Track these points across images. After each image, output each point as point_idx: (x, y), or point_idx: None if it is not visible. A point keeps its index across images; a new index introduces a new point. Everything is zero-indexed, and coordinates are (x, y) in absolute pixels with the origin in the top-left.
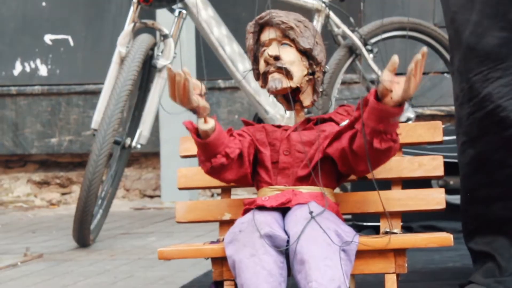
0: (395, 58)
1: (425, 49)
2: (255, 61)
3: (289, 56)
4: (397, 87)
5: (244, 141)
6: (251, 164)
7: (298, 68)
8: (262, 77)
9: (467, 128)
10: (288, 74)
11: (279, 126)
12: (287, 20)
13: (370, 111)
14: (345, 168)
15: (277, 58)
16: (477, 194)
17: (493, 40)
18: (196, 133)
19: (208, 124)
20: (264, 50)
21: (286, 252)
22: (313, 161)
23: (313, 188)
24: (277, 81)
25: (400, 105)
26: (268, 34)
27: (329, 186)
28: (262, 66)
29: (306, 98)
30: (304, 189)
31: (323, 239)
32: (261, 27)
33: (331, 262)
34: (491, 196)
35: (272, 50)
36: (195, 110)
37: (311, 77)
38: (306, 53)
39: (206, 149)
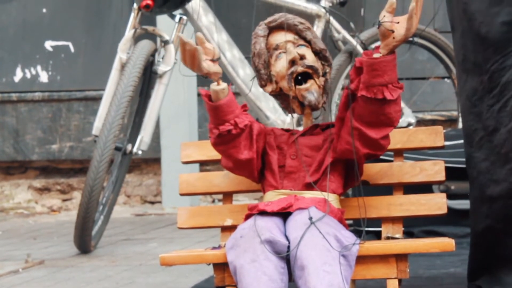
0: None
1: None
2: (264, 65)
3: (310, 56)
4: (398, 27)
5: (255, 124)
6: (259, 153)
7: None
8: (288, 78)
9: (486, 122)
10: (316, 72)
11: (287, 130)
12: (303, 21)
13: (370, 69)
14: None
15: (303, 57)
16: (493, 191)
17: (502, 27)
18: (209, 98)
19: (220, 86)
20: (280, 53)
21: (287, 258)
22: (323, 165)
23: (318, 193)
24: (314, 92)
25: (393, 52)
26: (283, 36)
27: (336, 192)
28: (283, 68)
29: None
30: (308, 194)
31: (322, 245)
32: (270, 30)
33: (330, 267)
34: (506, 193)
35: (297, 50)
36: (206, 76)
37: (323, 78)
38: (319, 54)
39: (216, 114)
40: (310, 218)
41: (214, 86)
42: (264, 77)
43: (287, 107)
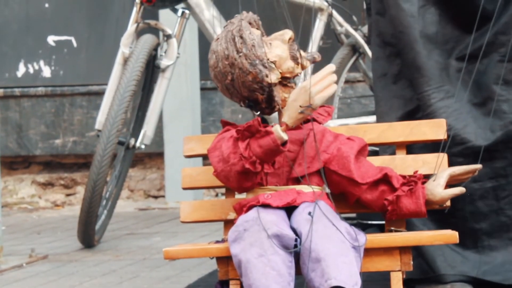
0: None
1: None
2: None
3: None
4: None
5: None
6: None
7: None
8: (295, 54)
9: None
10: None
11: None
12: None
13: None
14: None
15: None
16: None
17: (436, 64)
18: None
19: (286, 135)
20: (268, 41)
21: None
22: (311, 167)
23: (305, 187)
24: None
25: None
26: (254, 30)
27: (320, 184)
28: (284, 50)
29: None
30: (301, 188)
31: (337, 237)
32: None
33: (347, 258)
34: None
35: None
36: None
37: None
38: None
39: (275, 155)
40: (309, 213)
41: (285, 135)
42: (268, 66)
43: (271, 103)
